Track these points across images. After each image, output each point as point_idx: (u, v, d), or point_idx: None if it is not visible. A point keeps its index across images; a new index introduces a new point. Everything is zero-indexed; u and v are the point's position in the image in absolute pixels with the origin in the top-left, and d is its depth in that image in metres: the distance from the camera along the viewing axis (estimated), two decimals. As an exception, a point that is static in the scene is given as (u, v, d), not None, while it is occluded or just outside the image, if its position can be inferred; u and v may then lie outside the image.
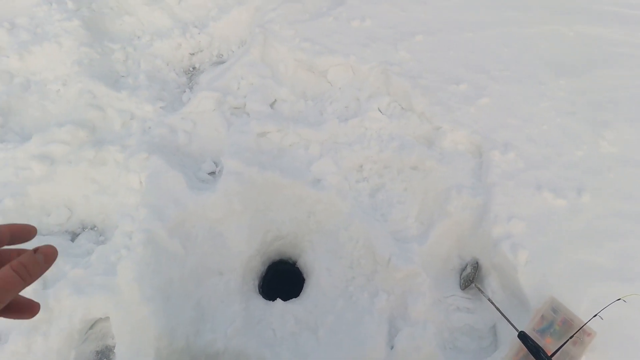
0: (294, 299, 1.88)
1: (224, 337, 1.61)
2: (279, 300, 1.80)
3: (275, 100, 2.24)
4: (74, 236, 1.95)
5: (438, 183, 1.96)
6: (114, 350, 1.64)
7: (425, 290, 1.76)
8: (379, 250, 1.82)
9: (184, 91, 2.39)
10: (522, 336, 1.49)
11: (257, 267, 1.92)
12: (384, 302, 1.75)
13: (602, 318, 1.42)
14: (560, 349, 1.42)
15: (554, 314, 1.53)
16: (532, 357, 1.48)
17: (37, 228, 1.88)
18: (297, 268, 2.01)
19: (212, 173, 2.10)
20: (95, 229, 1.98)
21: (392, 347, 1.69)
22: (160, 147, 2.04)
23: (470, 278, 1.80)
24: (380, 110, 2.18)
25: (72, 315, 1.62)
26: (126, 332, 1.58)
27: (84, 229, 1.98)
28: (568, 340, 1.43)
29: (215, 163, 2.12)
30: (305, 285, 1.94)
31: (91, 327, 1.72)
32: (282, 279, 2.01)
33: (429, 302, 1.75)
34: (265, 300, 1.83)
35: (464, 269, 1.89)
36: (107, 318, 1.68)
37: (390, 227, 1.94)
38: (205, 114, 2.16)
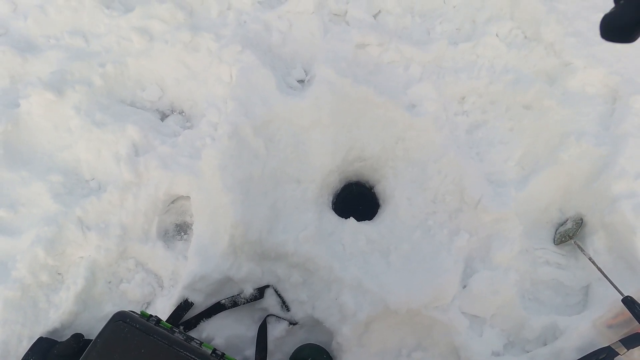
0: (367, 220, 1.91)
1: (295, 240, 1.70)
2: (352, 219, 1.84)
3: (380, 10, 2.15)
4: (163, 116, 2.10)
5: (554, 126, 1.83)
6: (192, 227, 1.81)
7: (515, 237, 1.72)
8: (470, 189, 1.77)
9: (284, -11, 2.36)
10: (629, 301, 1.42)
11: (334, 183, 1.96)
12: (465, 242, 1.74)
13: None
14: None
15: (672, 285, 1.44)
16: (633, 325, 1.43)
17: (132, 101, 2.09)
18: (373, 193, 2.02)
19: (301, 81, 2.10)
20: (183, 114, 2.11)
21: (464, 287, 1.70)
22: (254, 43, 2.06)
23: (570, 234, 1.73)
24: (498, 37, 2.03)
25: (158, 186, 1.80)
26: (205, 214, 1.72)
27: (172, 111, 2.12)
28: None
29: (305, 71, 2.12)
30: (380, 210, 1.96)
31: (173, 201, 1.89)
32: (355, 201, 2.04)
33: (516, 249, 1.71)
34: (338, 217, 1.88)
35: (562, 224, 1.81)
36: (188, 197, 1.83)
37: (486, 167, 1.87)
38: (303, 16, 2.13)
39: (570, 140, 1.77)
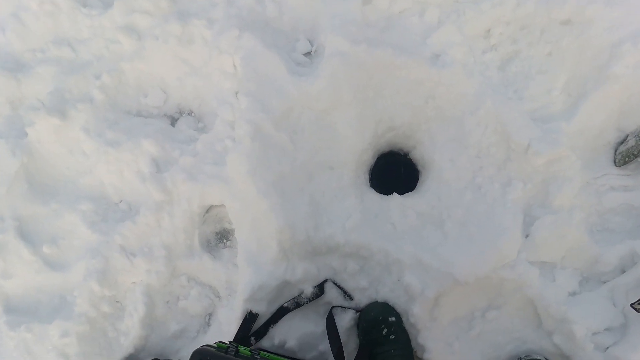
0: (409, 192, 1.93)
1: (342, 230, 1.74)
2: (395, 195, 1.86)
3: (376, -49, 2.01)
4: (173, 120, 2.11)
5: (601, 37, 1.70)
6: (234, 235, 1.89)
7: (574, 174, 1.69)
8: (515, 135, 1.72)
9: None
10: None
11: (369, 160, 1.95)
12: (520, 192, 1.72)
13: None
14: None
15: None
16: None
17: (138, 110, 2.09)
18: (410, 159, 2.02)
19: (308, 54, 2.04)
20: (193, 114, 2.10)
21: (527, 236, 1.71)
22: (250, 22, 1.97)
23: (635, 152, 1.69)
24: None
25: (190, 200, 1.85)
26: (245, 222, 1.77)
27: (181, 113, 2.11)
28: None
29: (310, 42, 2.04)
30: (422, 178, 1.96)
31: (207, 211, 1.96)
32: (392, 171, 2.05)
33: (577, 187, 1.70)
34: (380, 195, 1.90)
35: (622, 142, 1.77)
36: (222, 205, 1.90)
37: (528, 105, 1.80)
38: (294, -23, 2.01)
39: (624, 49, 1.65)
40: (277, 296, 1.75)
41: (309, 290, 1.74)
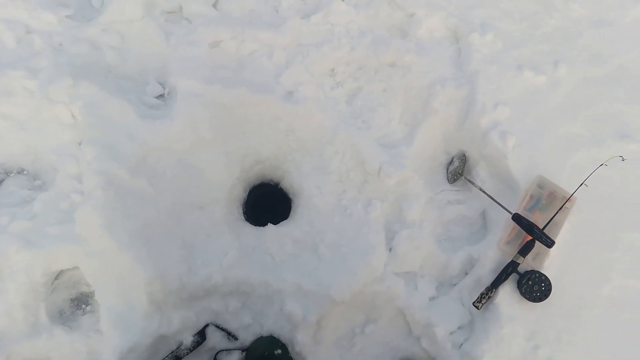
0: (284, 221, 2.01)
1: (219, 269, 1.72)
2: (270, 225, 1.92)
3: (217, -3, 2.15)
4: (-4, 183, 1.85)
5: (419, 79, 2.10)
6: (92, 297, 1.71)
7: (419, 192, 1.98)
8: (369, 160, 1.96)
9: (91, -7, 2.14)
10: (517, 217, 1.79)
11: (240, 194, 2.00)
12: (379, 210, 1.94)
13: (587, 185, 1.75)
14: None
15: (540, 190, 1.85)
16: (523, 235, 1.80)
17: None
18: (281, 189, 2.12)
19: (161, 96, 2.03)
20: (25, 172, 1.88)
21: (390, 249, 1.92)
22: (86, 69, 1.90)
23: (459, 171, 2.05)
24: (344, 0, 2.20)
25: (29, 270, 1.64)
26: (107, 281, 1.63)
27: (7, 173, 1.87)
28: (557, 212, 1.76)
29: (161, 84, 2.04)
30: (294, 206, 2.07)
31: (56, 277, 1.75)
32: (266, 202, 2.13)
33: (423, 202, 1.98)
34: (256, 227, 1.94)
35: (450, 163, 2.13)
36: (75, 267, 1.72)
37: (375, 133, 2.08)
38: (133, 24, 2.01)
39: (437, 89, 2.05)
40: (152, 355, 1.61)
41: (188, 339, 1.65)
